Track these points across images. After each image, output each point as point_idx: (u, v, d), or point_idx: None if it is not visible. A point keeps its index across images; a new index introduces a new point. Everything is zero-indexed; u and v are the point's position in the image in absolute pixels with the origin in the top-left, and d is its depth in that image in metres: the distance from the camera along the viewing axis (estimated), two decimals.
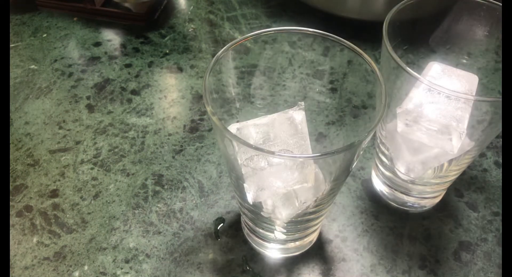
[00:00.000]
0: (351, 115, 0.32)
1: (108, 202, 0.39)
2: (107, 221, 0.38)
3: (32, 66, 0.51)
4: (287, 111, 0.30)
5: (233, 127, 0.29)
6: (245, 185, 0.29)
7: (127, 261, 0.36)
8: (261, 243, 0.36)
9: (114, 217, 0.38)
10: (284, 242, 0.35)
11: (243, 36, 0.29)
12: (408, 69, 0.28)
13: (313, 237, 0.36)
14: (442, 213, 0.39)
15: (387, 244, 0.37)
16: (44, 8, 0.57)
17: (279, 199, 0.30)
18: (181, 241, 0.37)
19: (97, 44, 0.53)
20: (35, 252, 0.36)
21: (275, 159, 0.27)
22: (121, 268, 0.35)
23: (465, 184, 0.41)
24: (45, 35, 0.54)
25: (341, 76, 0.32)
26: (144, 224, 0.38)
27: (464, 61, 0.34)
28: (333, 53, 0.31)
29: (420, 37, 0.34)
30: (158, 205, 0.39)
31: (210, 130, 0.45)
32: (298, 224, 0.32)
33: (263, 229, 0.34)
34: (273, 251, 0.36)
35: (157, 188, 0.40)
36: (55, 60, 0.51)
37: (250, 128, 0.29)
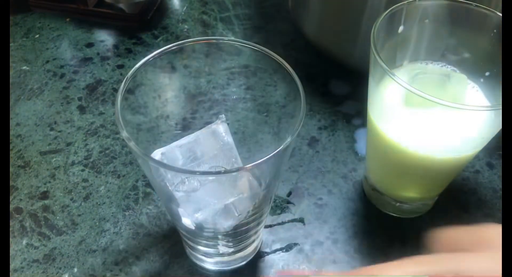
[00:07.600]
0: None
1: (99, 204, 0.39)
2: (97, 223, 0.38)
3: (24, 67, 0.51)
4: (209, 127, 0.30)
5: (157, 153, 0.29)
6: (180, 209, 0.28)
7: (116, 264, 0.36)
8: (204, 259, 0.35)
9: (104, 219, 0.38)
10: (229, 254, 0.34)
11: (153, 53, 0.30)
12: (397, 77, 0.28)
13: (257, 244, 0.36)
14: (433, 215, 0.39)
15: (378, 246, 0.37)
16: (37, 9, 0.57)
17: (219, 214, 0.29)
18: (171, 243, 0.37)
19: (90, 45, 0.53)
20: (24, 255, 0.36)
21: (207, 178, 0.27)
22: (111, 271, 0.35)
23: (457, 185, 0.41)
24: (37, 36, 0.54)
25: (262, 87, 0.32)
26: (134, 226, 0.38)
27: (456, 69, 0.34)
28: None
29: (407, 44, 0.34)
30: (149, 207, 0.39)
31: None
32: (239, 234, 0.32)
33: (205, 246, 0.33)
34: (215, 264, 0.35)
35: (148, 190, 0.40)
36: (47, 61, 0.51)
37: (176, 151, 0.29)
